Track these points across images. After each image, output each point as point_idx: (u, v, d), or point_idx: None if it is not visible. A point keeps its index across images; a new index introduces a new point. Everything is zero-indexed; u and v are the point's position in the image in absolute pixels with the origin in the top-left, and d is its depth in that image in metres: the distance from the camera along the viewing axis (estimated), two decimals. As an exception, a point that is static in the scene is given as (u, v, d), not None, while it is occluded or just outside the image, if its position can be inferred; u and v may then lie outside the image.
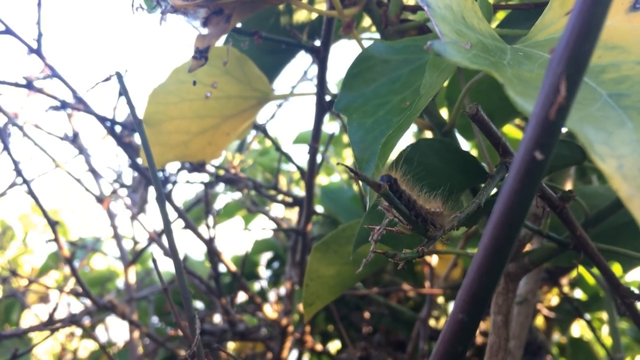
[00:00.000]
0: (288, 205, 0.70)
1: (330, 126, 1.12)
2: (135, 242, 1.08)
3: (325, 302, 0.54)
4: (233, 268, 0.75)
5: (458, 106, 0.41)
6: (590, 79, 0.26)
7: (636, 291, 0.43)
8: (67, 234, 1.54)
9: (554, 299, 1.06)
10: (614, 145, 0.21)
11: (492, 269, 0.21)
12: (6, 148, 0.74)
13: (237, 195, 1.31)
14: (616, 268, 0.55)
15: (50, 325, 0.86)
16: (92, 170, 0.85)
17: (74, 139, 0.88)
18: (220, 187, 1.24)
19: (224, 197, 1.31)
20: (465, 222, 0.38)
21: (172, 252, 0.45)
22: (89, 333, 0.87)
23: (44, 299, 1.50)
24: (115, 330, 1.38)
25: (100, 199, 0.92)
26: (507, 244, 0.21)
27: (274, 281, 1.23)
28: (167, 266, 1.48)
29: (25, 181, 0.74)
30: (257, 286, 1.25)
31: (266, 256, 1.26)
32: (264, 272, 1.27)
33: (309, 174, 0.59)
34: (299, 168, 0.62)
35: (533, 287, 0.63)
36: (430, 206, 0.29)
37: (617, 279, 0.42)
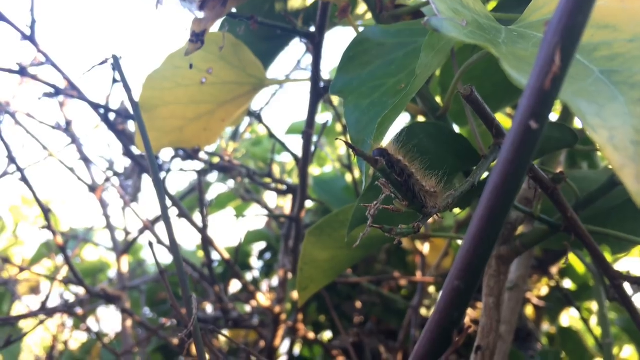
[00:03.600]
0: (281, 193, 0.71)
1: (323, 117, 1.12)
2: (127, 233, 1.08)
3: (320, 286, 0.54)
4: (226, 256, 0.75)
5: (452, 90, 0.41)
6: (582, 56, 0.26)
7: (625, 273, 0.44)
8: (58, 225, 1.53)
9: (543, 289, 1.07)
10: (606, 118, 0.22)
11: (486, 238, 0.21)
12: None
13: (230, 185, 1.31)
14: (606, 255, 0.56)
15: (43, 313, 0.86)
16: (85, 159, 0.85)
17: (67, 128, 0.88)
18: (213, 177, 1.24)
19: (216, 187, 1.32)
20: (458, 202, 0.39)
21: (169, 234, 0.45)
22: (81, 320, 0.87)
23: (34, 290, 1.49)
24: (107, 322, 1.38)
25: (92, 188, 0.91)
26: (502, 213, 0.21)
27: (267, 272, 1.23)
28: (159, 257, 1.48)
29: (18, 168, 0.74)
30: (249, 277, 1.25)
31: (258, 247, 1.26)
32: (256, 263, 1.27)
33: (303, 160, 0.59)
34: (293, 155, 0.63)
35: (524, 273, 0.64)
36: (426, 183, 0.29)
37: (607, 261, 0.43)
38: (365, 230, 0.29)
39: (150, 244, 0.53)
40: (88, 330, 1.31)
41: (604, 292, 0.60)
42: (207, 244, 0.73)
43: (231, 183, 1.32)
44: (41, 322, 0.77)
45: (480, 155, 0.41)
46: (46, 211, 0.75)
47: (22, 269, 0.83)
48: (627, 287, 0.46)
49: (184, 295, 0.45)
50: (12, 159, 0.73)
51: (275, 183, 0.71)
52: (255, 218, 1.33)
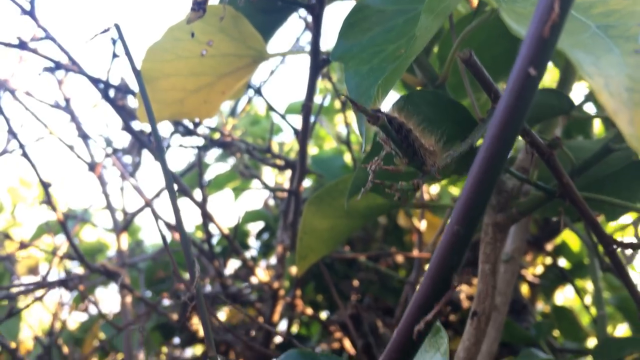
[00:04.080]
0: (280, 168, 0.71)
1: (320, 99, 1.13)
2: (126, 213, 1.08)
3: (319, 255, 0.55)
4: (225, 231, 0.76)
5: (451, 57, 0.42)
6: (579, 14, 0.27)
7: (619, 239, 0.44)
8: (57, 207, 1.53)
9: (538, 268, 1.08)
10: (602, 67, 0.23)
11: (486, 183, 0.22)
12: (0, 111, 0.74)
13: (228, 166, 1.32)
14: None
15: (43, 287, 0.87)
16: (84, 136, 0.85)
17: (66, 105, 0.88)
18: (211, 158, 1.25)
19: (215, 168, 1.32)
20: (457, 168, 0.39)
21: (172, 201, 0.46)
22: (82, 295, 0.88)
23: (33, 270, 1.50)
24: (106, 303, 1.39)
25: (91, 166, 0.92)
26: (501, 159, 0.22)
27: (265, 252, 1.24)
28: (156, 238, 1.48)
29: (20, 144, 0.74)
30: (247, 256, 1.26)
31: (257, 228, 1.27)
32: (254, 244, 1.28)
33: (302, 133, 0.59)
34: (292, 128, 0.63)
35: (519, 245, 0.65)
36: (425, 141, 0.30)
37: (601, 227, 0.44)
38: (367, 186, 0.29)
39: (154, 213, 0.53)
40: (87, 310, 1.32)
41: (598, 264, 0.62)
42: (206, 218, 0.74)
43: (229, 164, 1.33)
44: (40, 297, 0.77)
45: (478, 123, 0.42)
46: (46, 186, 0.75)
47: (22, 245, 0.84)
48: (623, 261, 0.47)
49: (187, 259, 0.45)
50: (12, 134, 0.73)
51: (274, 158, 0.72)
52: (254, 198, 1.33)
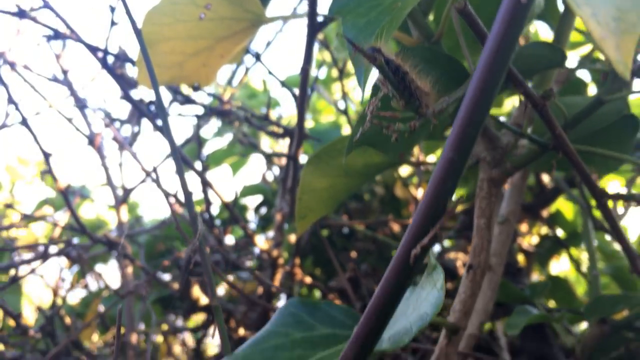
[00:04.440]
0: (279, 136, 0.72)
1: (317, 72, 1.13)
2: (125, 189, 1.09)
3: (318, 215, 0.56)
4: (225, 199, 0.77)
5: (446, 12, 0.43)
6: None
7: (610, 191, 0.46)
8: (57, 177, 1.54)
9: (534, 239, 1.10)
10: (589, 1, 0.24)
11: (479, 110, 0.23)
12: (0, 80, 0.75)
13: (226, 141, 1.33)
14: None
15: (45, 257, 0.88)
16: (82, 107, 0.86)
17: (64, 78, 0.88)
18: (208, 133, 1.26)
19: (212, 143, 1.33)
20: (452, 116, 0.40)
21: (176, 164, 0.46)
22: (83, 262, 0.89)
23: (32, 248, 1.51)
24: (105, 279, 1.40)
25: (90, 138, 0.92)
26: (494, 86, 0.23)
27: (263, 226, 1.25)
28: (155, 214, 1.50)
29: (20, 114, 0.75)
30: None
31: (255, 202, 1.28)
32: (252, 218, 1.29)
33: (300, 96, 0.60)
34: (291, 92, 0.64)
35: (514, 208, 0.66)
36: (421, 83, 0.31)
37: (593, 180, 0.45)
38: (365, 125, 0.30)
39: (157, 182, 0.54)
40: (87, 286, 1.34)
41: (591, 223, 0.63)
42: (205, 186, 0.75)
43: (227, 139, 1.34)
44: (44, 259, 0.79)
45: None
46: (47, 155, 0.76)
47: (25, 216, 0.85)
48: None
49: (190, 214, 0.46)
50: (13, 103, 0.73)
51: (272, 126, 0.72)
52: (252, 174, 1.34)
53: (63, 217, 1.23)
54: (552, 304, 1.02)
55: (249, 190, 1.21)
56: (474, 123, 0.23)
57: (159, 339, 1.09)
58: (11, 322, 1.13)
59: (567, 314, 0.58)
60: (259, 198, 1.25)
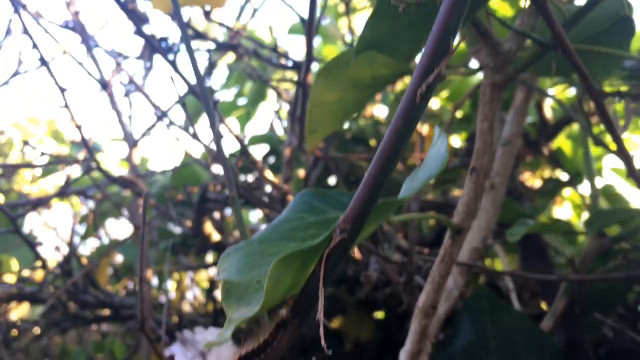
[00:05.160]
0: (287, 68, 0.74)
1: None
2: (134, 143, 1.11)
3: (328, 130, 0.59)
4: (235, 132, 0.79)
5: None
6: None
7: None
8: (66, 142, 1.57)
9: (537, 182, 1.12)
10: None
11: None
12: (22, 22, 0.76)
13: (231, 94, 1.35)
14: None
15: (63, 195, 0.91)
16: (94, 47, 0.88)
17: (75, 21, 0.90)
18: (216, 85, 1.28)
19: (219, 95, 1.35)
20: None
21: (201, 93, 0.49)
22: (105, 195, 0.92)
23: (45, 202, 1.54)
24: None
25: (103, 83, 0.95)
26: None
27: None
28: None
29: (42, 60, 0.77)
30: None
31: (263, 152, 1.30)
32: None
33: (309, 22, 0.62)
34: (300, 18, 0.66)
35: (517, 130, 0.69)
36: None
37: (591, 80, 0.47)
38: None
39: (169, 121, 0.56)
40: (99, 237, 1.37)
41: (589, 131, 0.65)
42: (214, 118, 0.77)
43: (233, 92, 1.36)
44: (62, 194, 0.82)
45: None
46: (63, 90, 0.78)
47: (43, 154, 0.88)
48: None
49: (209, 114, 0.49)
50: (35, 46, 0.75)
51: (281, 58, 0.74)
52: (259, 127, 1.36)
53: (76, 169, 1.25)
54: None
55: (256, 140, 1.23)
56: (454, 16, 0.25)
57: (174, 278, 1.13)
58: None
59: (566, 224, 0.60)
60: (267, 148, 1.28)
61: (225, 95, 1.33)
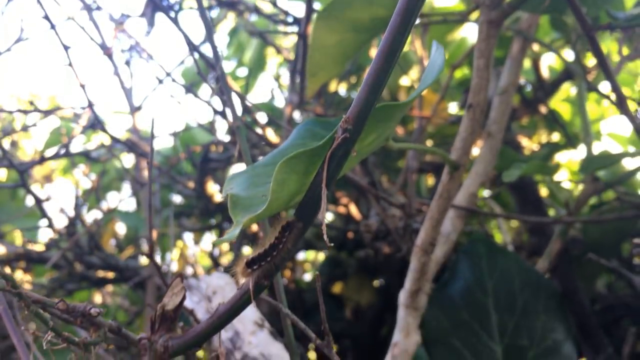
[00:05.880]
0: (288, 24, 0.75)
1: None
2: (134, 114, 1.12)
3: (328, 74, 0.60)
4: (237, 89, 0.80)
5: None
6: None
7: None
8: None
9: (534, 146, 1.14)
10: None
11: None
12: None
13: (231, 66, 1.36)
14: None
15: (67, 156, 0.92)
16: (94, 10, 0.89)
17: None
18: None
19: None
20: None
21: (212, 47, 0.50)
22: (112, 154, 0.93)
23: (48, 178, 1.56)
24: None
25: (103, 47, 0.96)
26: None
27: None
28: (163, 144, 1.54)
29: (50, 24, 0.77)
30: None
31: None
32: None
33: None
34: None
35: (513, 79, 0.70)
36: None
37: (584, 15, 0.49)
38: None
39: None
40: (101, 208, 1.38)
41: (585, 80, 0.66)
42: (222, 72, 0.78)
43: (232, 65, 1.37)
44: (66, 154, 0.83)
45: None
46: (66, 48, 0.80)
47: (45, 112, 0.89)
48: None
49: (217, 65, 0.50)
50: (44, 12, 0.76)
51: (281, 14, 0.75)
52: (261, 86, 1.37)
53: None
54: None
55: (257, 107, 1.24)
56: None
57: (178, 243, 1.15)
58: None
59: (558, 166, 0.62)
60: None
61: (224, 67, 1.33)
